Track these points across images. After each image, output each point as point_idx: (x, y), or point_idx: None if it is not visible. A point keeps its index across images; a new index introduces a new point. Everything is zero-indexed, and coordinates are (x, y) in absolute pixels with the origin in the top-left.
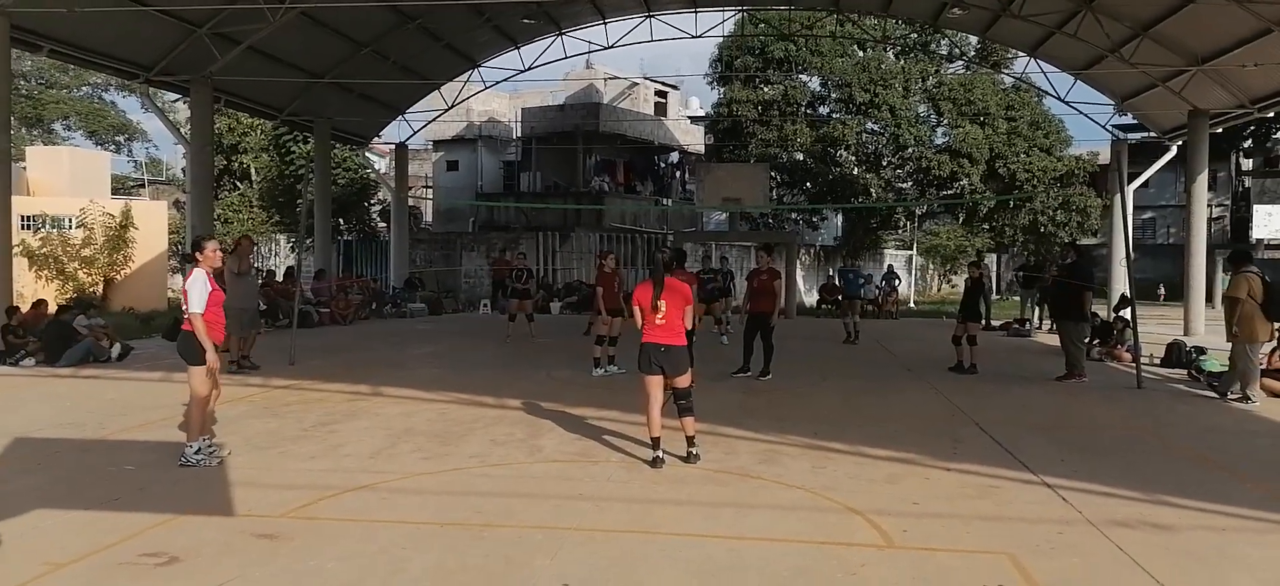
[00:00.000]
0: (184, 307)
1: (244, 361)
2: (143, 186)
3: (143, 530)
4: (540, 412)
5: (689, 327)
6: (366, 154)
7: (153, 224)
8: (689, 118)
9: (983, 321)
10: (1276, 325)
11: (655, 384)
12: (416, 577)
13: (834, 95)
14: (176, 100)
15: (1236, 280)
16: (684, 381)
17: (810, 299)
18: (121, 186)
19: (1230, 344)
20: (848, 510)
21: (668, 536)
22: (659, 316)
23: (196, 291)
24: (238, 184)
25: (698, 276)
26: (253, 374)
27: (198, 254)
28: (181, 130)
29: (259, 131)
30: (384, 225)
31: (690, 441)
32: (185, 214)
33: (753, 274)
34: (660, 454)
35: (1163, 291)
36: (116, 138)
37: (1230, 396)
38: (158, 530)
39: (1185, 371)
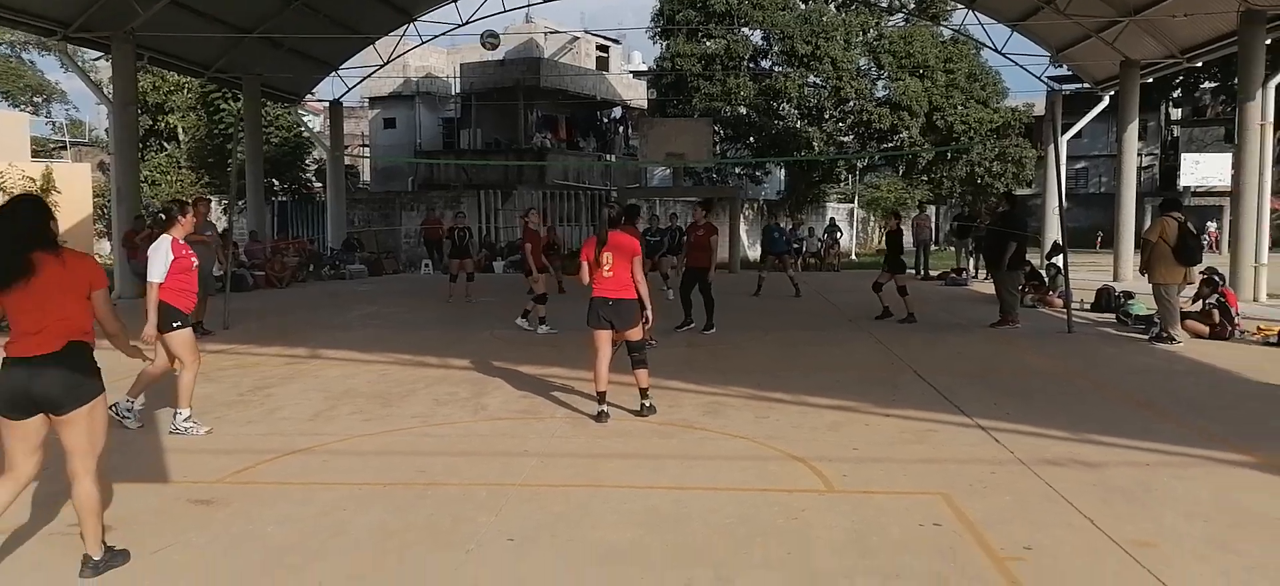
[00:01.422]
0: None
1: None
2: (64, 148)
3: None
4: (485, 371)
5: (640, 282)
6: (299, 112)
7: (76, 187)
8: (631, 72)
9: (915, 272)
10: (1192, 269)
11: (604, 338)
12: (359, 538)
13: (776, 48)
14: (98, 58)
15: (1154, 224)
16: (635, 334)
17: (754, 253)
18: (42, 149)
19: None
20: (790, 457)
21: (613, 489)
22: (605, 270)
23: (157, 259)
24: (165, 144)
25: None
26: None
27: (180, 217)
28: (103, 90)
29: (186, 90)
30: (320, 185)
31: (643, 394)
32: (110, 176)
33: (690, 229)
34: (605, 408)
35: (1100, 237)
36: (34, 99)
37: (1163, 338)
38: None
39: (1114, 315)
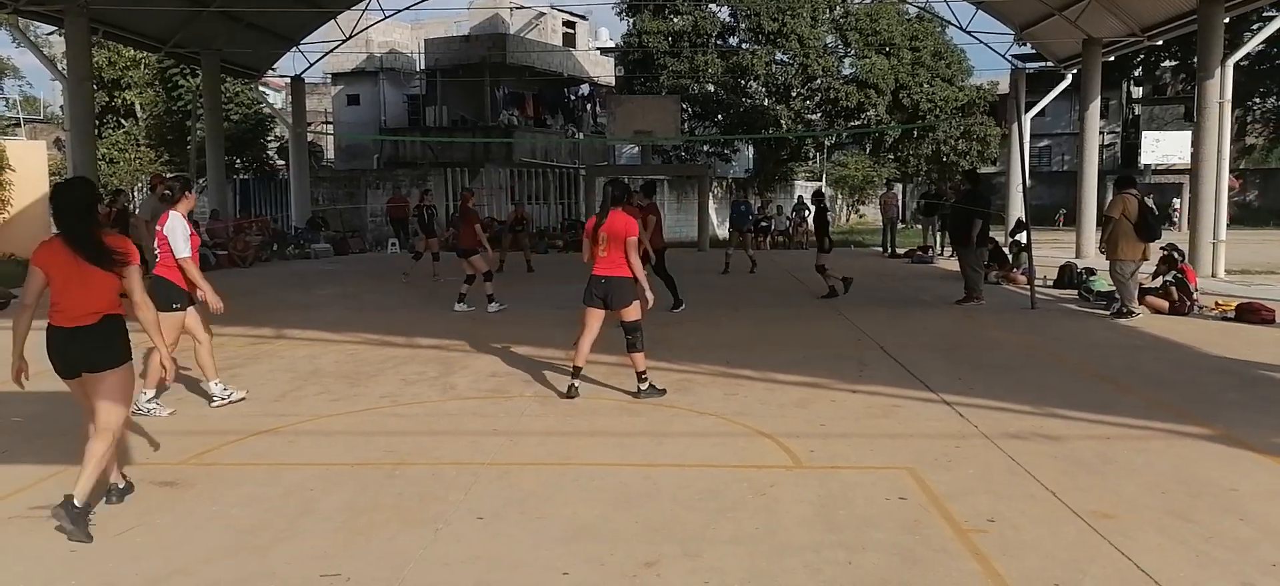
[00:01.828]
0: (156, 252)
1: None
2: (18, 125)
3: (34, 483)
4: (453, 351)
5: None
6: (261, 88)
7: (31, 165)
8: (598, 49)
9: (883, 249)
10: (1151, 245)
11: (594, 316)
12: (327, 517)
13: (743, 25)
14: (51, 32)
15: (1114, 201)
16: (630, 314)
17: (722, 231)
18: None
19: (1108, 262)
20: (758, 434)
21: (582, 467)
22: (602, 248)
23: (179, 235)
24: (122, 121)
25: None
26: None
27: (187, 194)
28: (57, 65)
29: (143, 65)
30: (282, 163)
31: (640, 377)
32: (67, 153)
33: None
34: (576, 383)
35: (1063, 215)
36: None
37: (1123, 314)
38: (49, 482)
39: (1076, 292)
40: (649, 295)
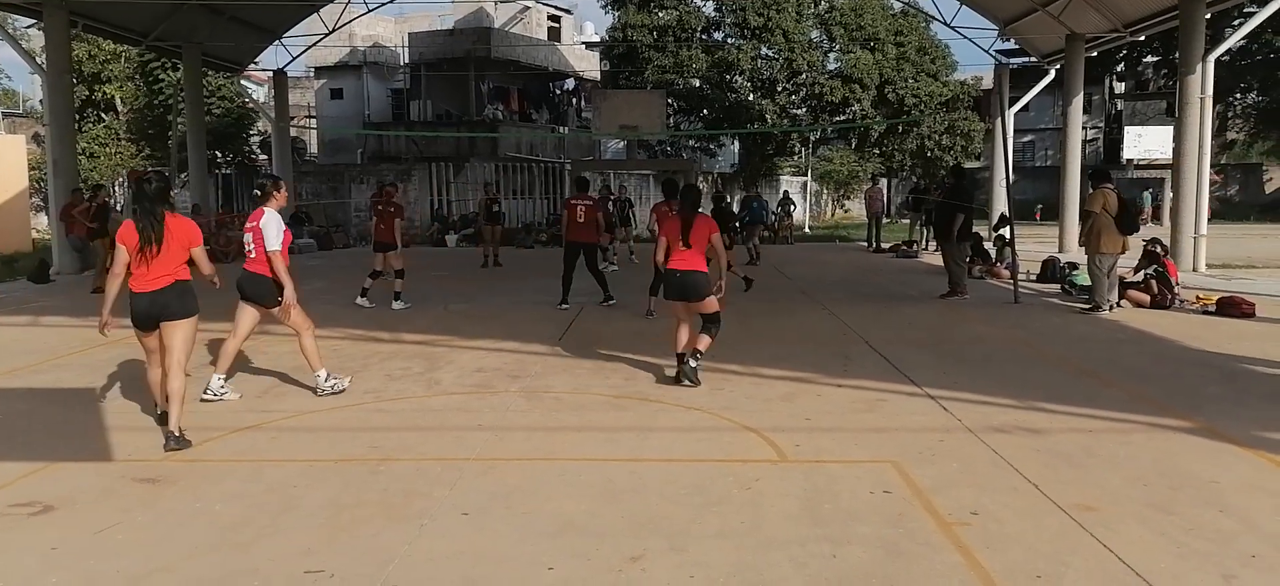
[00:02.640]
0: (249, 250)
1: None
2: None
3: (14, 479)
4: (438, 346)
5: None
6: (243, 82)
7: (10, 159)
8: (583, 43)
9: (868, 244)
10: (1127, 237)
11: (679, 309)
12: (311, 513)
13: (728, 20)
14: (30, 25)
15: (1093, 195)
16: (709, 306)
17: None
18: None
19: (1085, 255)
20: (744, 428)
21: (568, 462)
22: (681, 245)
23: (273, 230)
24: (102, 115)
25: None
26: None
27: (276, 192)
28: (36, 59)
29: (123, 59)
30: (265, 158)
31: (695, 354)
32: (46, 148)
33: (568, 204)
34: (692, 364)
35: (1040, 211)
36: None
37: (1105, 306)
38: (31, 478)
39: (1059, 286)
40: (723, 286)
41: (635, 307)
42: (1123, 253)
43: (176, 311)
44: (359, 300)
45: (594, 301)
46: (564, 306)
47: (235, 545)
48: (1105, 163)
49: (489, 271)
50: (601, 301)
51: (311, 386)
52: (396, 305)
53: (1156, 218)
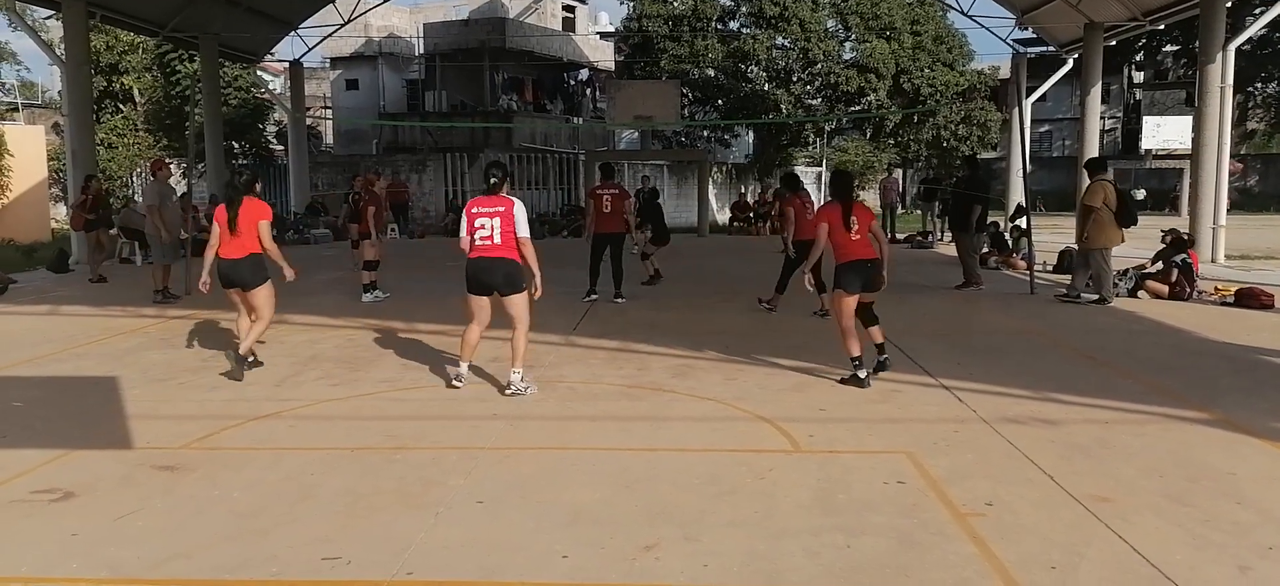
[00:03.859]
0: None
1: (166, 292)
2: (16, 110)
3: (35, 467)
4: (453, 335)
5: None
6: (259, 72)
7: (30, 150)
8: (598, 33)
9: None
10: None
11: (852, 303)
12: (328, 501)
13: (744, 9)
14: (48, 17)
15: (1093, 188)
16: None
17: (722, 217)
18: None
19: (1079, 247)
20: (758, 418)
21: (583, 451)
22: (854, 233)
23: (524, 219)
24: (120, 106)
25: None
26: (171, 305)
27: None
28: (55, 49)
29: (141, 50)
30: (281, 148)
31: (881, 349)
32: (65, 139)
33: (591, 194)
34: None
35: (1040, 203)
36: None
37: (1084, 297)
38: (51, 466)
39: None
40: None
41: (645, 301)
42: (1120, 243)
43: (250, 281)
44: (366, 298)
45: (606, 295)
46: (592, 297)
47: (253, 532)
48: (1124, 153)
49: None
50: (613, 297)
51: (327, 378)
52: (366, 298)
53: (1175, 208)
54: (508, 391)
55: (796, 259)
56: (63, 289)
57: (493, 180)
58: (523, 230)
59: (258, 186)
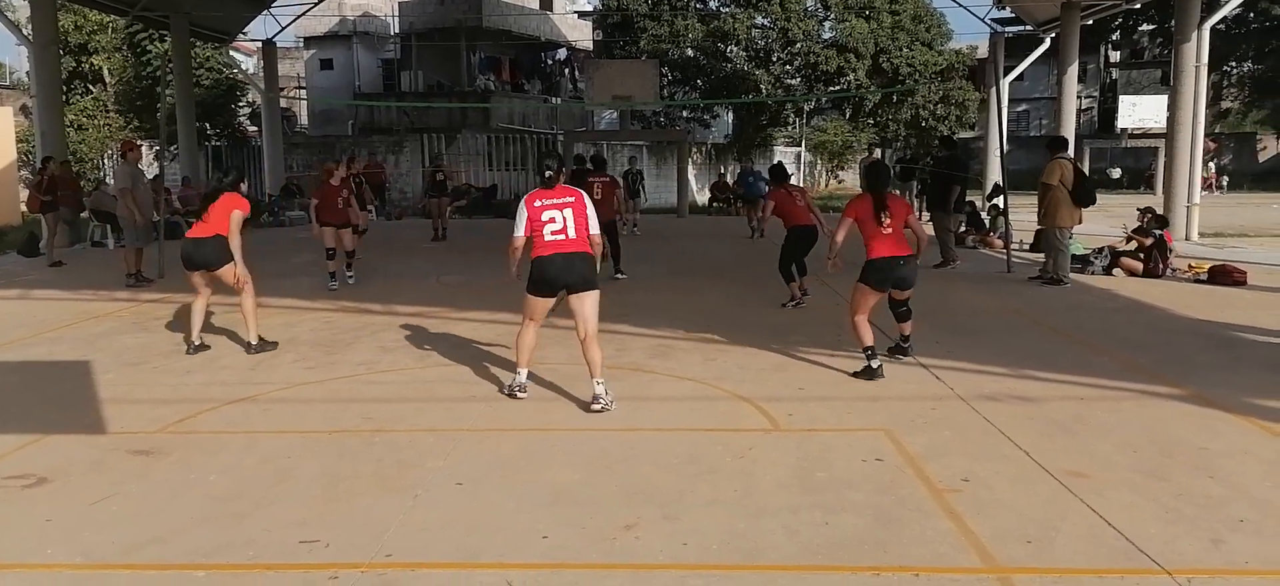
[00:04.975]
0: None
1: (139, 276)
2: None
3: (8, 452)
4: (431, 318)
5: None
6: (232, 52)
7: None
8: (576, 12)
9: None
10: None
11: (878, 298)
12: (305, 484)
13: None
14: None
15: (1050, 167)
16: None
17: (702, 197)
18: None
19: (1040, 226)
20: (737, 398)
21: (562, 432)
22: (886, 228)
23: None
24: (90, 87)
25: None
26: (144, 288)
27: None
28: (22, 29)
29: (110, 30)
30: (255, 129)
31: (905, 338)
32: (34, 120)
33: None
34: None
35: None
36: None
37: (1053, 281)
38: (24, 451)
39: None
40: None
41: (624, 283)
42: (1078, 224)
43: (214, 262)
44: (331, 285)
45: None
46: None
47: (230, 516)
48: (1101, 132)
49: (480, 243)
50: (612, 274)
51: (303, 361)
52: (332, 285)
53: (1150, 186)
54: (594, 407)
55: (788, 245)
56: (34, 273)
57: (548, 174)
58: (596, 226)
59: (243, 186)
